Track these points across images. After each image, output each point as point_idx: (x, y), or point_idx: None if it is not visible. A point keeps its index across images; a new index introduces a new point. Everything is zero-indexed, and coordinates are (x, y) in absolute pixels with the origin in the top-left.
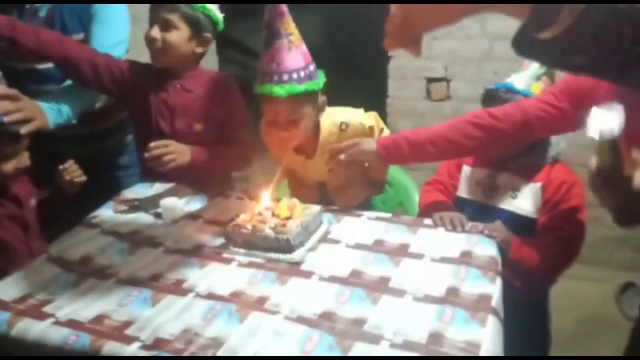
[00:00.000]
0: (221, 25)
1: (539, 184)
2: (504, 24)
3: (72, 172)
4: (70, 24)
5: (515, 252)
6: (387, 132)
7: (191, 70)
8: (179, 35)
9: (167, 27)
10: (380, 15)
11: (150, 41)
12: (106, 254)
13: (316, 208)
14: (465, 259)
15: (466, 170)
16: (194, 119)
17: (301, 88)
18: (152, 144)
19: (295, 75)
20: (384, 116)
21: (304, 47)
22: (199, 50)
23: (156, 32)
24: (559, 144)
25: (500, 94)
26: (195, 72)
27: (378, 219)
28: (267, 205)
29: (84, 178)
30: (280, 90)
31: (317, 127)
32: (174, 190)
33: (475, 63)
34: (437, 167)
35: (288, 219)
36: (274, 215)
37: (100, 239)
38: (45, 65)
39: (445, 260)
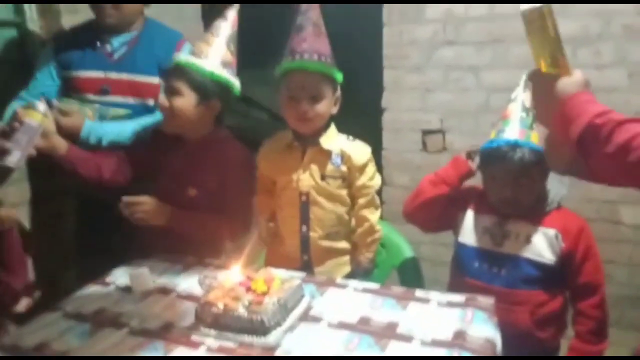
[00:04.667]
0: (237, 90)
1: (553, 231)
2: (499, 76)
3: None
4: (144, 67)
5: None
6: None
7: (201, 135)
8: (184, 101)
9: (172, 93)
10: (372, 64)
11: (159, 107)
12: (64, 339)
13: (297, 280)
14: (459, 340)
15: (469, 215)
16: (188, 183)
17: (330, 70)
18: (125, 198)
19: (323, 58)
20: (379, 168)
21: (327, 40)
22: (207, 116)
23: (162, 98)
24: (559, 188)
25: (504, 151)
26: (206, 137)
27: (365, 290)
28: (239, 280)
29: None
30: (311, 65)
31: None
32: (148, 262)
33: (472, 115)
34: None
35: (264, 294)
36: (249, 290)
37: (61, 322)
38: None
39: (436, 343)
